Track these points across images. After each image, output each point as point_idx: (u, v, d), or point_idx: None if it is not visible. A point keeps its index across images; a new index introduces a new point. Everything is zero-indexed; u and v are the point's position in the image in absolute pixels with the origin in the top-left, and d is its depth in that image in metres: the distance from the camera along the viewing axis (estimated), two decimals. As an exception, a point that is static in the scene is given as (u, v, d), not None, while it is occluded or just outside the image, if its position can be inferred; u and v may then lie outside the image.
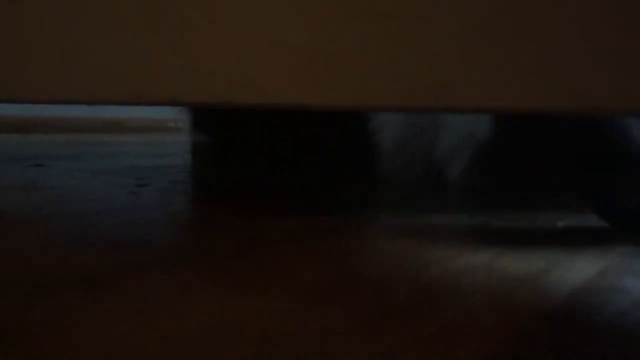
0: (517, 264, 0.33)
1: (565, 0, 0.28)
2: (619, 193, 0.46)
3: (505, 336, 0.24)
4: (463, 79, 0.31)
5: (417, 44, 0.34)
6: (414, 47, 0.34)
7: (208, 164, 0.87)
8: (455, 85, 0.31)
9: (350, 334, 0.23)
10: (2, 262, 0.31)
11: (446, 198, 0.59)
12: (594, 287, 0.30)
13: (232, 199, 0.53)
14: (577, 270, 0.32)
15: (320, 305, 0.26)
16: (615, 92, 0.28)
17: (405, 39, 0.34)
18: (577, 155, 0.49)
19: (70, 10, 0.47)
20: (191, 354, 0.21)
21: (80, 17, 0.47)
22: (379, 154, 0.68)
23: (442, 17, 0.32)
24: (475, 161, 0.62)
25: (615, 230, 0.44)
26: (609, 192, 0.46)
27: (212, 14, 0.41)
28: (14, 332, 0.22)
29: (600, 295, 0.28)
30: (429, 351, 0.22)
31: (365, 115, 0.69)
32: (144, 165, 0.82)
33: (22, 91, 0.51)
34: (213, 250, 0.35)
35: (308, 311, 0.25)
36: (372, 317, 0.25)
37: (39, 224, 0.41)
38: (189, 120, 0.95)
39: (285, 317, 0.25)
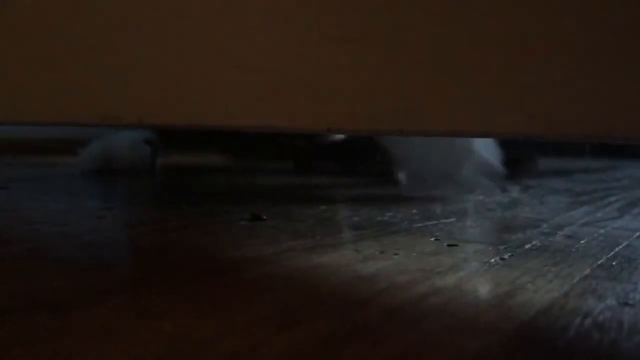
0: (483, 286, 0.34)
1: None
2: None
3: (467, 356, 0.24)
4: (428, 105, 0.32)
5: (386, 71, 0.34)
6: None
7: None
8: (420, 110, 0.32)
9: (314, 354, 0.23)
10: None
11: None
12: (558, 309, 0.30)
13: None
14: (542, 293, 0.33)
15: (285, 326, 0.26)
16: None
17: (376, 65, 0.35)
18: None
19: (40, 33, 0.47)
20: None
21: (52, 39, 0.47)
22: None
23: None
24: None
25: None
26: None
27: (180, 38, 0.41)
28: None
29: (564, 317, 0.29)
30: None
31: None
32: (110, 188, 0.82)
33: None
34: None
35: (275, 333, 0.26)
36: (336, 338, 0.25)
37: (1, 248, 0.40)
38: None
39: (251, 337, 0.25)
